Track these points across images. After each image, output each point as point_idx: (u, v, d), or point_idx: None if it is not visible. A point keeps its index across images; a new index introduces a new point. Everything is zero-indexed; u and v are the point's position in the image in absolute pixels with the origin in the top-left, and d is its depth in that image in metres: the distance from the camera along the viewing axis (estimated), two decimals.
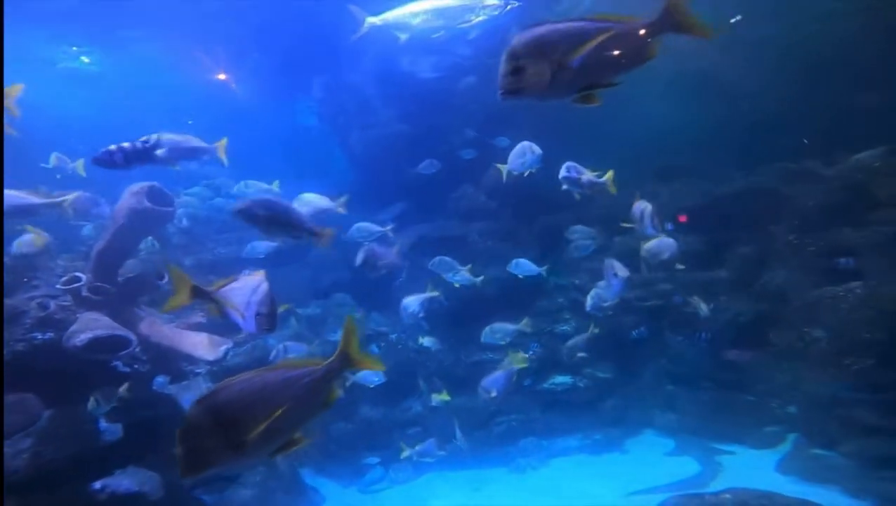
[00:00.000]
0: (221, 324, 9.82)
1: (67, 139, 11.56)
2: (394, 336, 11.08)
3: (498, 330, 9.01)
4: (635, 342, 11.22)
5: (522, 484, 9.23)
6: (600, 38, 2.85)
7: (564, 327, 11.42)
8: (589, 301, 8.55)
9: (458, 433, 8.93)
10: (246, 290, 3.60)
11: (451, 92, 12.92)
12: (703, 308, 9.42)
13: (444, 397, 8.45)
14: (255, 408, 2.57)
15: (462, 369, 10.88)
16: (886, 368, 7.73)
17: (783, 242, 10.00)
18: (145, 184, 7.14)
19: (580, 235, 9.86)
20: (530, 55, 2.89)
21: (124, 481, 5.75)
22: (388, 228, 9.85)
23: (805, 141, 9.82)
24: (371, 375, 8.73)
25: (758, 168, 11.56)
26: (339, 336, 3.00)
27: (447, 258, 9.03)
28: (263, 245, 10.95)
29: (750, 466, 8.84)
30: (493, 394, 7.68)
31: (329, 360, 2.86)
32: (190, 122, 19.79)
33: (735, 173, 11.92)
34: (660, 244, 7.45)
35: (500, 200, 12.54)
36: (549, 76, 2.89)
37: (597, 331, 9.29)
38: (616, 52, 2.96)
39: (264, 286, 3.61)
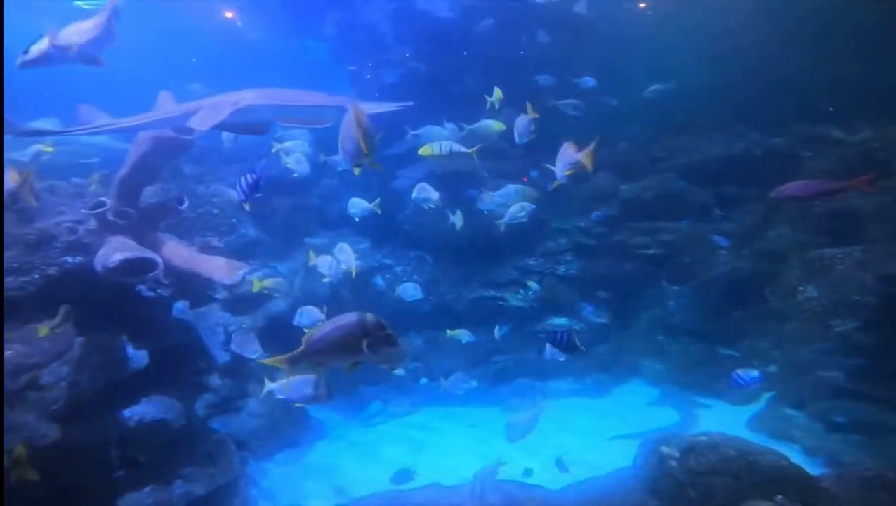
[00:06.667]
0: (238, 247, 10.04)
1: None
2: (399, 269, 11.32)
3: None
4: (633, 291, 11.48)
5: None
6: None
7: (565, 269, 11.64)
8: None
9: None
10: None
11: (468, 33, 12.68)
12: None
13: (457, 333, 8.68)
14: None
15: (463, 305, 11.21)
16: (868, 332, 7.89)
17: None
18: None
19: None
20: None
21: (150, 408, 5.88)
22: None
23: (830, 109, 9.69)
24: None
25: (777, 129, 11.59)
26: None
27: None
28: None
29: (724, 420, 8.97)
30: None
31: None
32: (194, 60, 19.38)
33: (752, 133, 11.95)
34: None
35: (510, 140, 12.55)
36: None
37: None
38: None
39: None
